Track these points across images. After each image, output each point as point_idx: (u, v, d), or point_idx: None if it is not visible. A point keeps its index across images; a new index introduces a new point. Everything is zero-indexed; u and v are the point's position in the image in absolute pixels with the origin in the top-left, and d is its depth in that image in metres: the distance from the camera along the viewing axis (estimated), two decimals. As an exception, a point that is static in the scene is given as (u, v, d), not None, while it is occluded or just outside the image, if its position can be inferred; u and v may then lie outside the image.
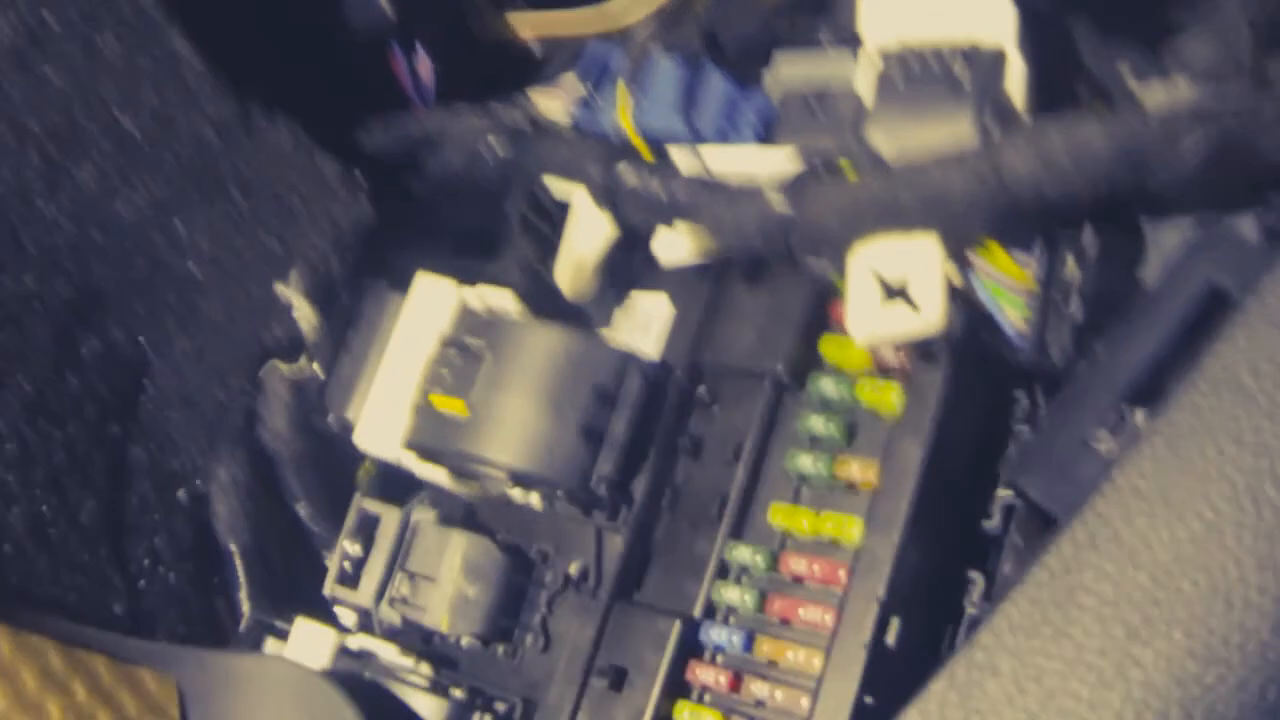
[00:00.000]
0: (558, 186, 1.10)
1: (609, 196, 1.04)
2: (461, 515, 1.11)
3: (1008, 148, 0.88)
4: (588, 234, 1.08)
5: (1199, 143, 0.86)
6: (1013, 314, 0.95)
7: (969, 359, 0.95)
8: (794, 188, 0.96)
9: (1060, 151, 0.88)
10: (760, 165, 1.03)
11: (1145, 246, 0.96)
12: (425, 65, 1.19)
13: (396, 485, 1.14)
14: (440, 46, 1.22)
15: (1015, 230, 0.93)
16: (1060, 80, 1.03)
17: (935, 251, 0.92)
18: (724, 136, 1.10)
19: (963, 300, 0.94)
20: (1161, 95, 0.93)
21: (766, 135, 1.09)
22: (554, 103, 1.17)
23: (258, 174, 1.12)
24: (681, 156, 1.05)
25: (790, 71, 1.11)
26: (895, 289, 0.93)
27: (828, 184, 0.95)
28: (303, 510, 1.16)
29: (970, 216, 0.91)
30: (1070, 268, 0.95)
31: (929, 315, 0.91)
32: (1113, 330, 0.92)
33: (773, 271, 1.05)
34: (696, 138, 1.09)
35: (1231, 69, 0.93)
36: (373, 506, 1.11)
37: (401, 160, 1.16)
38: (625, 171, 1.03)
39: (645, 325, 1.10)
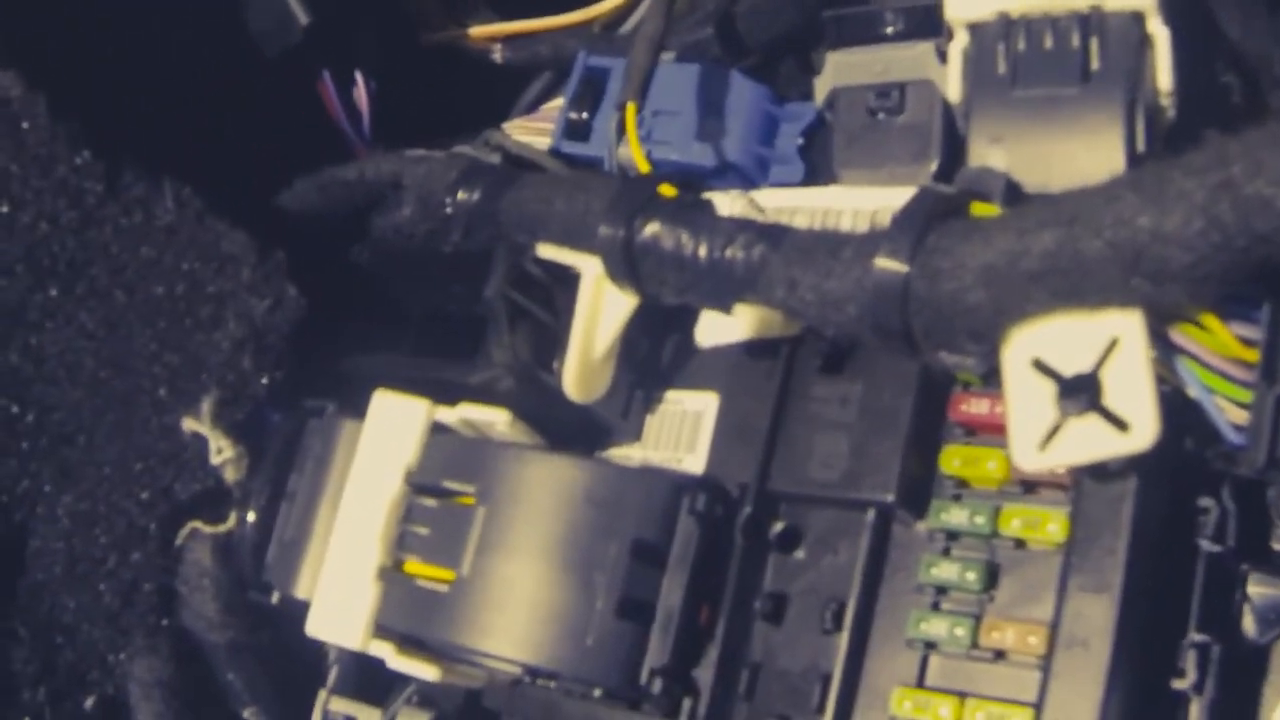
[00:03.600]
0: (554, 250, 0.75)
1: (629, 264, 0.69)
2: (460, 712, 0.80)
3: (1242, 162, 0.55)
4: (601, 314, 0.74)
5: None
6: (1230, 406, 0.62)
7: (1161, 466, 0.63)
8: (917, 241, 0.61)
9: None
10: (851, 209, 0.71)
11: None
12: (362, 93, 0.82)
13: (374, 676, 0.82)
14: (381, 67, 0.89)
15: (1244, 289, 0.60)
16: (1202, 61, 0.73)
17: (1138, 333, 0.59)
18: (763, 167, 0.81)
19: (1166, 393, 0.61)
20: None
21: (819, 164, 0.79)
22: (536, 135, 0.85)
23: (144, 266, 0.79)
24: (731, 204, 0.73)
25: (848, 73, 0.78)
26: (1079, 393, 0.60)
27: (967, 233, 0.61)
28: (249, 716, 0.83)
29: (1189, 274, 0.57)
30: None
31: (1140, 432, 0.59)
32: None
33: (863, 353, 0.72)
34: (727, 169, 0.80)
35: None
36: (344, 708, 0.80)
37: (340, 225, 0.83)
38: (652, 227, 0.69)
39: (691, 437, 0.77)
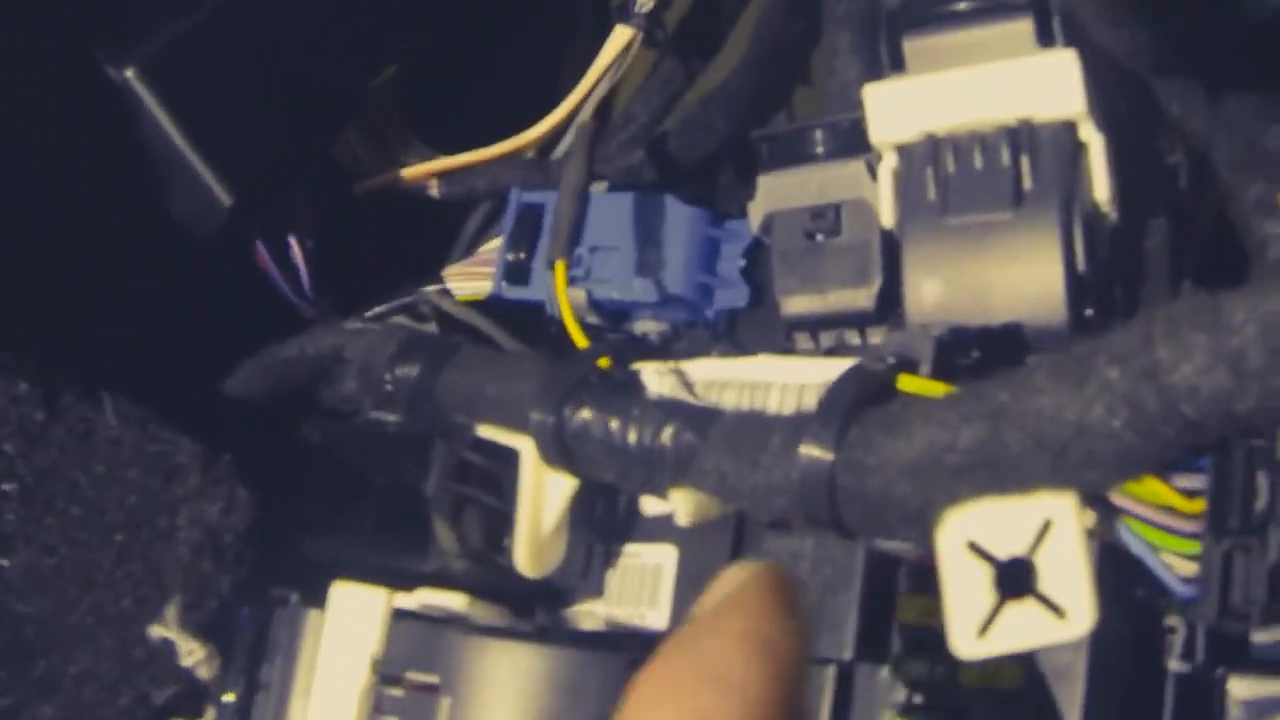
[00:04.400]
0: (492, 430, 0.72)
1: (562, 451, 0.66)
2: None
3: (1167, 344, 0.51)
4: (545, 493, 0.71)
5: None
6: (1177, 560, 0.59)
7: (1115, 612, 0.58)
8: (840, 433, 0.58)
9: (1257, 346, 0.50)
10: (779, 382, 0.67)
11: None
12: (299, 255, 0.79)
13: None
14: (316, 224, 0.85)
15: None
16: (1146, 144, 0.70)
17: (1071, 515, 0.55)
18: (707, 294, 0.78)
19: (1106, 554, 0.59)
20: None
21: (764, 284, 0.76)
22: (477, 279, 0.82)
23: (96, 481, 0.74)
24: (660, 379, 0.68)
25: (781, 196, 0.75)
26: (1014, 577, 0.56)
27: (891, 426, 0.57)
28: None
29: (1117, 462, 0.53)
30: (1259, 487, 0.58)
31: (1077, 620, 0.55)
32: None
33: None
34: (670, 302, 0.77)
35: None
36: None
37: (288, 405, 0.79)
38: (582, 413, 0.65)
39: (652, 592, 0.74)
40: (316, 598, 0.75)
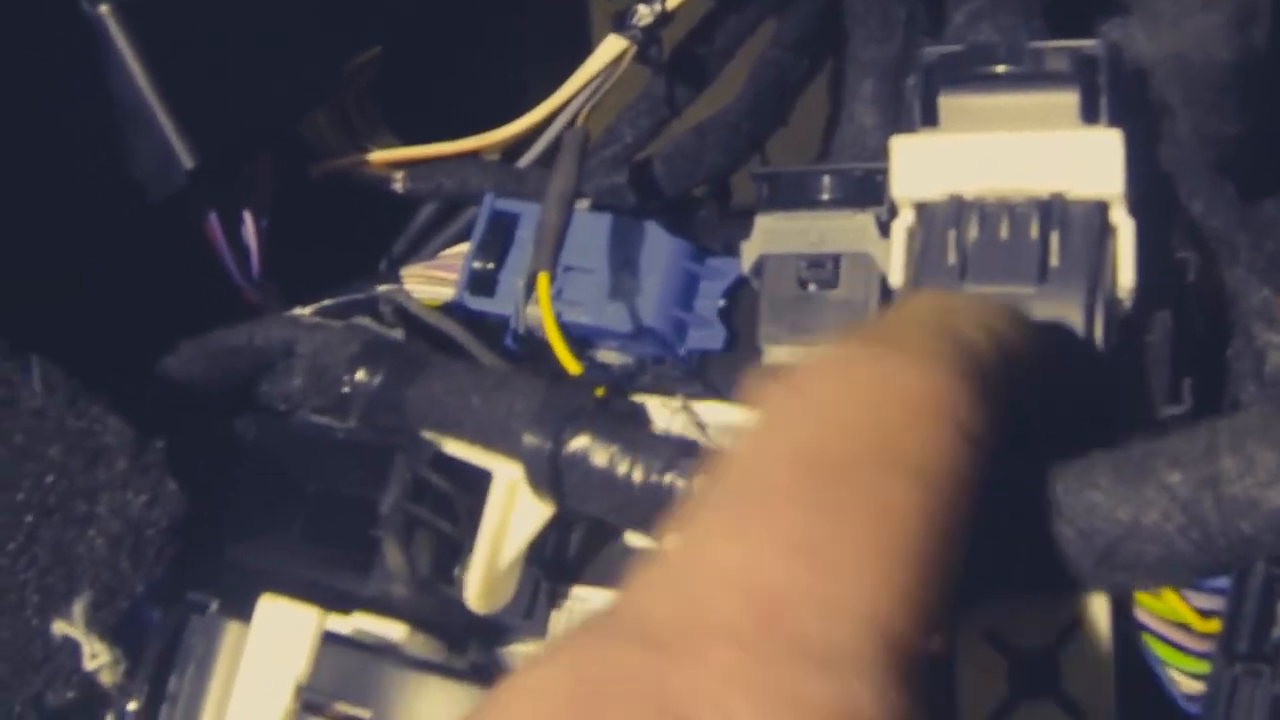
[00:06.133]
0: (463, 448, 0.65)
1: (553, 477, 0.60)
2: None
3: (1232, 456, 0.48)
4: (512, 523, 0.65)
5: None
6: (1185, 679, 0.55)
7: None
8: None
9: None
10: None
11: None
12: (251, 232, 0.71)
13: None
14: (272, 203, 0.77)
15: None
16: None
17: (1103, 621, 0.54)
18: (681, 331, 0.71)
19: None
20: None
21: (741, 329, 0.71)
22: (438, 285, 0.74)
23: (11, 454, 0.65)
24: (669, 415, 0.65)
25: (778, 239, 0.69)
26: (1034, 673, 0.53)
27: None
28: None
29: (1164, 566, 0.50)
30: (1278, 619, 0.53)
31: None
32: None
33: None
34: (642, 333, 0.70)
35: None
36: None
37: (225, 397, 0.71)
38: (582, 440, 0.59)
39: None
40: (237, 608, 0.68)
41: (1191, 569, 0.49)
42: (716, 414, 0.65)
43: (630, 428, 0.60)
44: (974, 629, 0.52)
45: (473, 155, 0.79)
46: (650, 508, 0.57)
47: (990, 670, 0.52)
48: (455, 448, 0.65)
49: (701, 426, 0.63)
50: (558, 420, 0.59)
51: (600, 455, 0.59)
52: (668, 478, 0.57)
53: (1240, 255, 0.64)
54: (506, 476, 0.63)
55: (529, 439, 0.60)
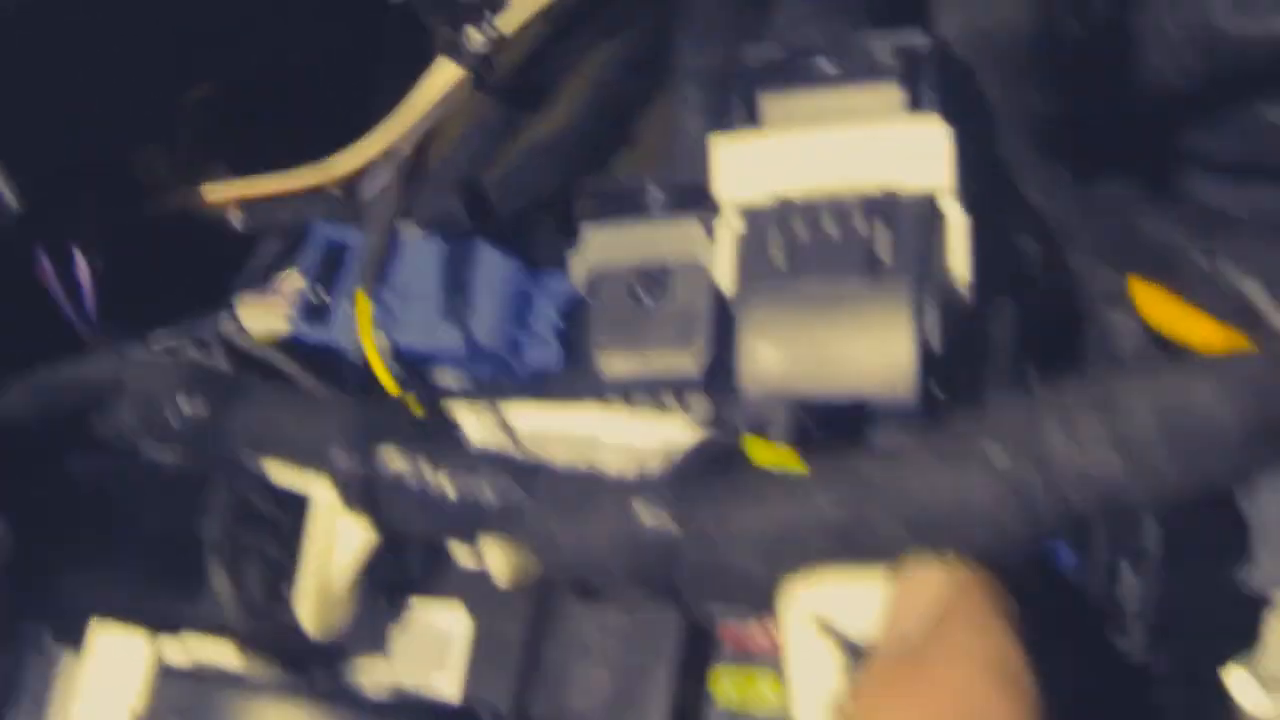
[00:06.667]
0: (288, 473, 0.63)
1: (368, 498, 0.58)
2: None
3: (1056, 428, 0.47)
4: (337, 545, 0.63)
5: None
6: None
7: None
8: (689, 504, 0.52)
9: (1151, 432, 0.46)
10: (612, 443, 0.61)
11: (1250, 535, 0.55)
12: (84, 274, 0.69)
13: None
14: (106, 242, 0.74)
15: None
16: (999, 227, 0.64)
17: None
18: (517, 349, 0.70)
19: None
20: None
21: (577, 342, 0.69)
22: (271, 314, 0.72)
23: None
24: (479, 423, 0.61)
25: (608, 251, 0.69)
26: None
27: (744, 499, 0.51)
28: None
29: (994, 545, 0.48)
30: (1127, 583, 0.54)
31: None
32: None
33: None
34: (478, 353, 0.69)
35: None
36: None
37: (55, 434, 0.68)
38: (393, 459, 0.57)
39: (441, 655, 0.65)
40: (74, 639, 0.66)
41: (1018, 544, 0.48)
42: (528, 420, 0.63)
43: (441, 443, 0.58)
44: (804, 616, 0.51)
45: (311, 189, 0.77)
46: (463, 519, 0.56)
47: (822, 658, 0.50)
48: (278, 472, 0.63)
49: (512, 432, 0.62)
50: (368, 438, 0.58)
51: (412, 475, 0.57)
52: (481, 494, 0.55)
53: (1080, 239, 0.63)
54: (325, 498, 0.61)
55: (339, 458, 0.58)
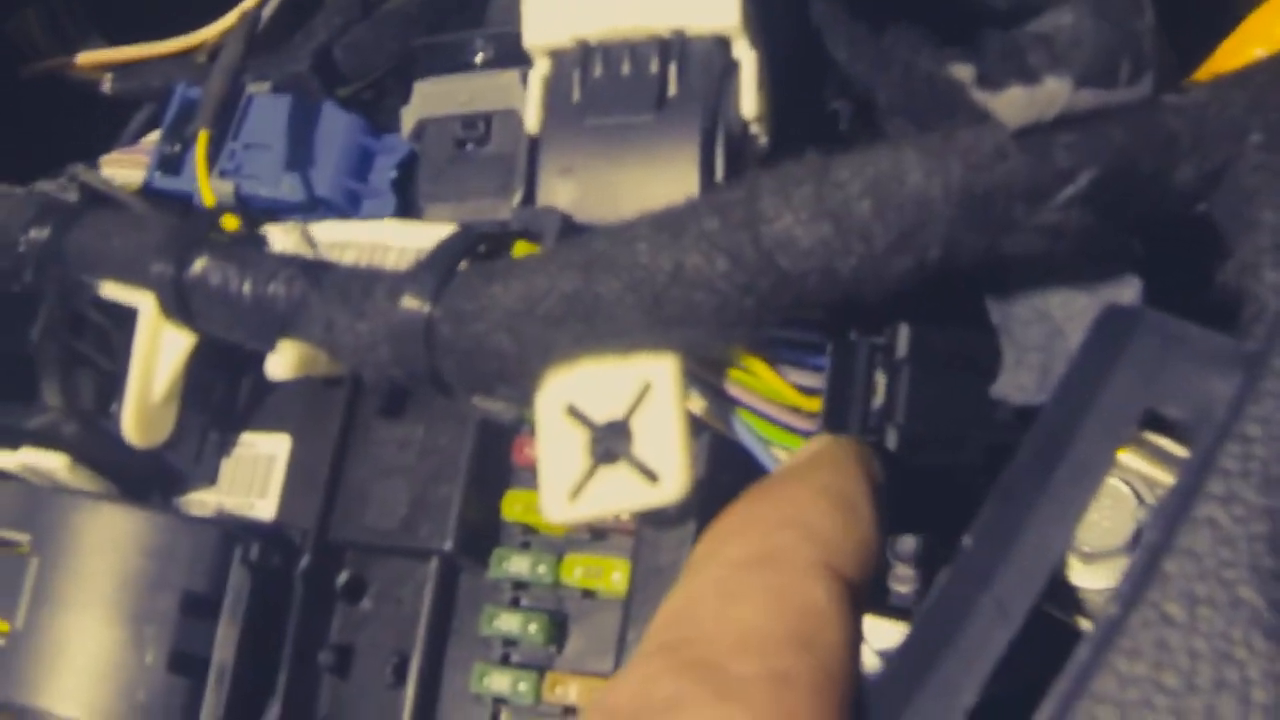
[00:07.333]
0: (115, 288, 0.65)
1: (180, 301, 0.61)
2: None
3: (770, 197, 0.49)
4: (159, 354, 0.65)
5: (1087, 176, 0.48)
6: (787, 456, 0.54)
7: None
8: (442, 282, 0.54)
9: (861, 202, 0.48)
10: (398, 245, 0.64)
11: (997, 340, 0.56)
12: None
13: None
14: None
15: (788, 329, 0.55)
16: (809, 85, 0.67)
17: (670, 379, 0.52)
18: (355, 201, 0.72)
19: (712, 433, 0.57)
20: (1023, 103, 0.49)
21: (413, 197, 0.71)
22: (132, 168, 0.75)
23: None
24: (285, 237, 0.63)
25: (435, 103, 0.70)
26: (611, 441, 0.52)
27: (493, 275, 0.53)
28: None
29: (716, 317, 0.50)
30: (877, 385, 0.56)
31: (666, 485, 0.52)
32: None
33: (423, 398, 0.65)
34: (317, 204, 0.71)
35: (1126, 60, 0.47)
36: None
37: None
38: (202, 263, 0.60)
39: (264, 482, 0.69)
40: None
41: (741, 318, 0.50)
42: (328, 232, 0.66)
43: (245, 249, 0.61)
44: (555, 404, 0.53)
45: (180, 55, 0.80)
46: (262, 319, 0.59)
47: (570, 443, 0.53)
48: (109, 289, 0.66)
49: (313, 245, 0.65)
50: (182, 248, 0.61)
51: (216, 275, 0.60)
52: (272, 289, 0.58)
53: (882, 96, 0.65)
54: (148, 309, 0.64)
55: (156, 268, 0.61)
